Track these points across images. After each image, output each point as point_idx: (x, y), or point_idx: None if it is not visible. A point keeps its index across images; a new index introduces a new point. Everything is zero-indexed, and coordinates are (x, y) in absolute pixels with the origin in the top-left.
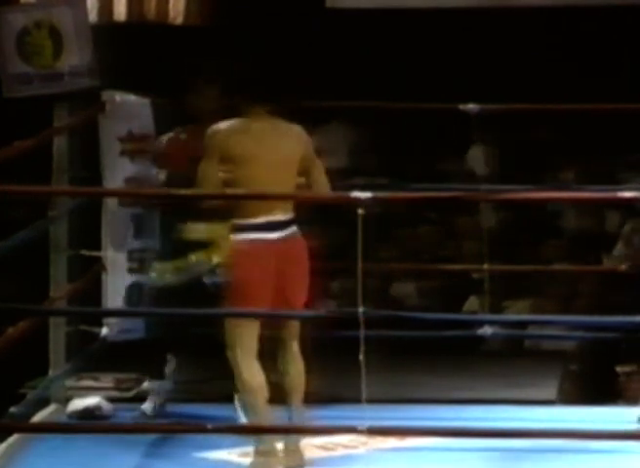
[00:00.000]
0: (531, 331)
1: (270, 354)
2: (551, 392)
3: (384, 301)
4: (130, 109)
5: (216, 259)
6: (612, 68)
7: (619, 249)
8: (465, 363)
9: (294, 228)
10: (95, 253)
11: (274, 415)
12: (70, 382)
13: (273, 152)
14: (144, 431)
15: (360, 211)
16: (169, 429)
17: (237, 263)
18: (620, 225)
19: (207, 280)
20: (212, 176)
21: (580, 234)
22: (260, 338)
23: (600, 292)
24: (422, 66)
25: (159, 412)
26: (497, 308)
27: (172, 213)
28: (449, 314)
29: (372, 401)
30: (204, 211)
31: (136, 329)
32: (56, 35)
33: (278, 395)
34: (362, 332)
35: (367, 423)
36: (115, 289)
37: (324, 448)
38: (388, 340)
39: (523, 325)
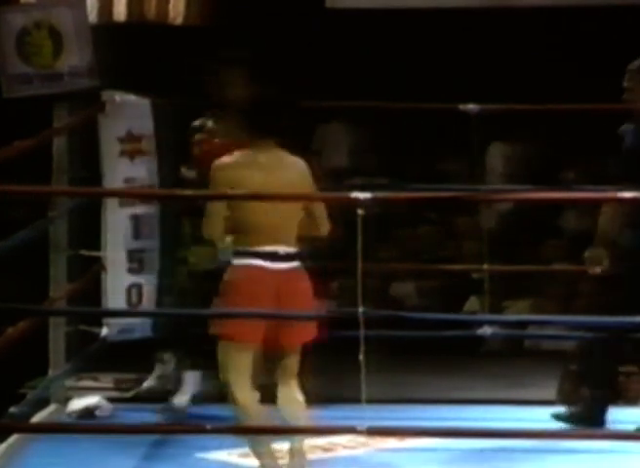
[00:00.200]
0: (531, 331)
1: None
2: (551, 392)
3: (384, 301)
4: (130, 109)
5: None
6: (612, 68)
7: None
8: (465, 363)
9: (296, 263)
10: (94, 254)
11: (271, 419)
12: (70, 382)
13: (279, 186)
14: (144, 431)
15: (360, 211)
16: (169, 429)
17: (233, 285)
18: None
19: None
20: (220, 210)
21: (579, 234)
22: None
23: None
24: (422, 66)
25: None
26: (497, 308)
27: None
28: (449, 314)
29: (372, 401)
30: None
31: (141, 328)
32: (55, 35)
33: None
34: (362, 332)
35: (367, 423)
36: (115, 289)
37: (324, 448)
38: (388, 340)
39: (523, 325)
